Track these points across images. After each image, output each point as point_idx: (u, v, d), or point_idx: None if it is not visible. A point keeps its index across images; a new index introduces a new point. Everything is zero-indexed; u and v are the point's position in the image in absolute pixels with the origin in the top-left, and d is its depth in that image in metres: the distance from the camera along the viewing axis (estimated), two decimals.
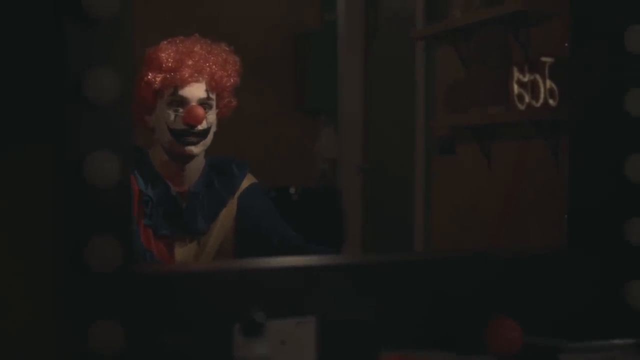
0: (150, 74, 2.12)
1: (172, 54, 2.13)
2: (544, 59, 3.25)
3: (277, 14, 4.99)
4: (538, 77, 3.26)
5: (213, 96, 2.18)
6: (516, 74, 3.35)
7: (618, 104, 1.73)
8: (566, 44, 1.80)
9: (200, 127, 2.14)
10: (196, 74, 2.14)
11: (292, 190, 4.68)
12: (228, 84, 2.20)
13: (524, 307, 1.67)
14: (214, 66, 2.16)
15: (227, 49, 2.22)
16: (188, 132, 2.13)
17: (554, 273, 1.75)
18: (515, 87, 3.36)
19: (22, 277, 1.37)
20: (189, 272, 1.51)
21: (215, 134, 2.21)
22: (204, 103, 2.15)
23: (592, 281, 1.76)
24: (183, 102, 2.14)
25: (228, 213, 2.24)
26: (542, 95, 3.27)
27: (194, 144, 2.14)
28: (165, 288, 1.37)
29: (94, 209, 1.28)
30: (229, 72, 2.19)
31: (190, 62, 2.13)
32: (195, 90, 2.15)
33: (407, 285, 1.59)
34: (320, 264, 1.62)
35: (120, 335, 1.29)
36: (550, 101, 3.25)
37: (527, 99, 3.34)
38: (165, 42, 2.17)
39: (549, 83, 3.23)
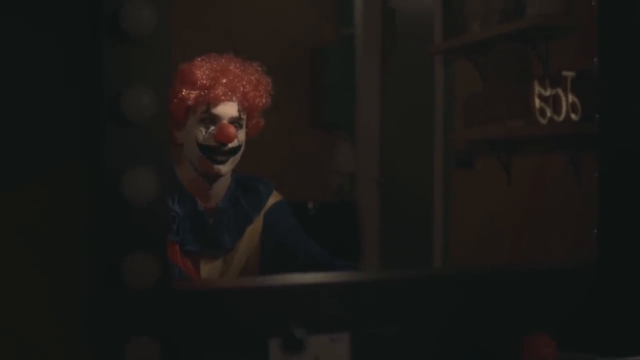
0: (184, 90, 2.13)
1: (206, 72, 2.14)
2: (565, 73, 3.23)
3: (294, 28, 5.00)
4: (560, 91, 3.24)
5: (244, 116, 2.19)
6: (537, 88, 3.34)
7: None
8: (595, 59, 1.80)
9: (230, 145, 2.15)
10: (230, 93, 2.15)
11: (309, 205, 4.69)
12: (260, 104, 2.21)
13: (555, 322, 1.66)
14: (247, 86, 2.17)
15: (260, 69, 2.23)
16: (218, 150, 2.14)
17: (585, 288, 1.75)
18: (537, 102, 3.34)
19: (57, 294, 1.37)
20: (225, 288, 1.51)
21: None
22: (235, 122, 2.17)
23: (624, 296, 1.75)
24: (215, 120, 2.15)
25: (254, 230, 2.25)
26: (564, 110, 3.26)
27: (223, 163, 2.15)
28: (202, 304, 1.37)
29: (132, 225, 1.29)
30: (261, 92, 2.21)
31: (224, 81, 2.14)
32: (228, 109, 2.16)
33: (439, 300, 1.59)
34: (352, 280, 1.62)
35: (157, 351, 1.29)
36: (573, 115, 3.23)
37: (548, 113, 3.33)
38: (199, 59, 2.18)
39: (571, 97, 3.22)
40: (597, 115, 1.83)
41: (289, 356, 1.27)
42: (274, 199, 2.29)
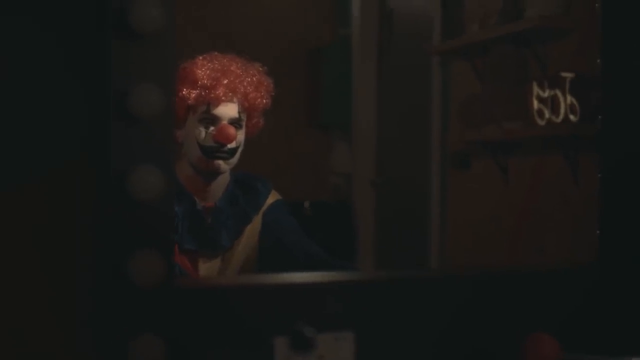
0: (184, 90, 2.13)
1: (208, 72, 2.13)
2: (564, 74, 3.24)
3: (291, 28, 5.00)
4: (558, 92, 3.25)
5: (244, 116, 2.19)
6: (536, 90, 3.34)
7: None
8: (598, 60, 1.80)
9: (229, 146, 2.14)
10: (230, 94, 2.14)
11: (305, 204, 4.69)
12: (260, 105, 2.21)
13: (555, 323, 1.66)
14: (248, 87, 2.17)
15: (261, 69, 2.23)
16: (217, 150, 2.14)
17: (586, 289, 1.75)
18: (535, 103, 3.35)
19: (62, 292, 1.37)
20: (231, 286, 1.51)
21: None
22: (235, 123, 2.16)
23: (625, 297, 1.75)
24: (215, 120, 2.15)
25: (253, 229, 2.24)
26: (562, 111, 3.26)
27: (223, 159, 2.15)
28: (207, 302, 1.37)
29: (137, 223, 1.28)
30: (262, 93, 2.20)
31: (225, 82, 2.14)
32: (228, 110, 2.16)
33: (441, 300, 1.59)
34: (357, 279, 1.62)
35: (162, 349, 1.29)
36: (571, 117, 3.24)
37: (547, 114, 3.33)
38: (200, 57, 2.17)
39: (569, 98, 3.23)
40: (600, 117, 1.83)
41: (295, 354, 1.27)
42: (272, 198, 2.29)
